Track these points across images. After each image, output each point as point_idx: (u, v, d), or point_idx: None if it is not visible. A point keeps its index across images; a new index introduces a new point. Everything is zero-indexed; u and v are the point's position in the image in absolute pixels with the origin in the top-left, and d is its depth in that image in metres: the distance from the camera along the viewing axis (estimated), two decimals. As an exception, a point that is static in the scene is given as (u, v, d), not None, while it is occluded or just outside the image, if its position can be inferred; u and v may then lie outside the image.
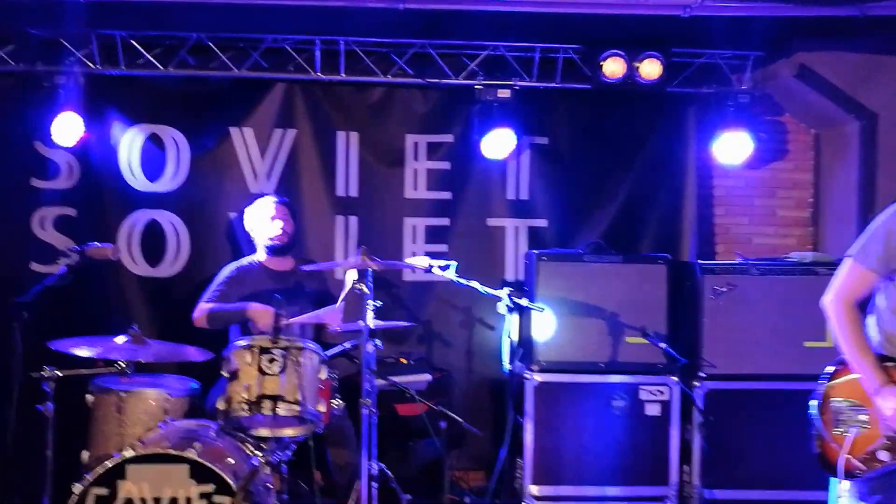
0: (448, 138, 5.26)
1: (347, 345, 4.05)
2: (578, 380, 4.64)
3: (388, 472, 3.97)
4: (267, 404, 3.44)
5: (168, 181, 5.07)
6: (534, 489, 4.57)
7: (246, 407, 3.45)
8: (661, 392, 4.62)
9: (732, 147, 5.11)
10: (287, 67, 5.05)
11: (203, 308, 4.42)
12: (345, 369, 4.21)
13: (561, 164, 5.34)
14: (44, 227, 5.00)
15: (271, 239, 4.53)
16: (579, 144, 5.34)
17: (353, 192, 5.20)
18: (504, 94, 4.93)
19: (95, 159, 5.01)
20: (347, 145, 5.19)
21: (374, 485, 3.80)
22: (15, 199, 4.97)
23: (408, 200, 5.25)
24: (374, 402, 3.78)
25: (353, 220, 5.19)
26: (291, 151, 5.14)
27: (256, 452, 3.55)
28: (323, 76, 5.04)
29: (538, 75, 5.09)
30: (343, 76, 5.04)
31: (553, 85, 5.14)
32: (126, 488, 3.25)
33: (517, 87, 5.00)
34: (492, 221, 5.32)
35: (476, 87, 5.02)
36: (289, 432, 3.67)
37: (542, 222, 5.31)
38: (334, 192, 5.18)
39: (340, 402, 3.95)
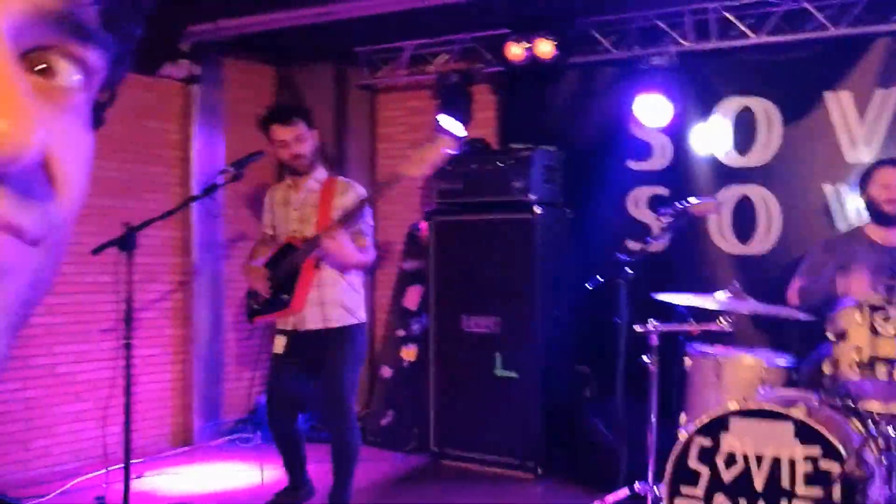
0: None
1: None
2: None
3: None
4: (881, 368, 3.08)
5: (758, 154, 4.95)
6: None
7: (856, 370, 3.14)
8: None
9: None
10: (891, 19, 4.55)
11: (794, 285, 4.20)
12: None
13: None
14: (637, 206, 5.30)
15: (885, 204, 4.09)
16: None
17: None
18: None
19: (687, 137, 5.14)
20: (976, 99, 4.46)
21: None
22: (613, 180, 5.35)
23: None
24: None
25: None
26: (895, 113, 4.61)
27: (863, 426, 3.20)
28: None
29: None
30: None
31: None
32: (729, 441, 3.19)
33: None
34: None
35: None
36: (905, 407, 3.23)
37: None
38: (953, 156, 4.48)
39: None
